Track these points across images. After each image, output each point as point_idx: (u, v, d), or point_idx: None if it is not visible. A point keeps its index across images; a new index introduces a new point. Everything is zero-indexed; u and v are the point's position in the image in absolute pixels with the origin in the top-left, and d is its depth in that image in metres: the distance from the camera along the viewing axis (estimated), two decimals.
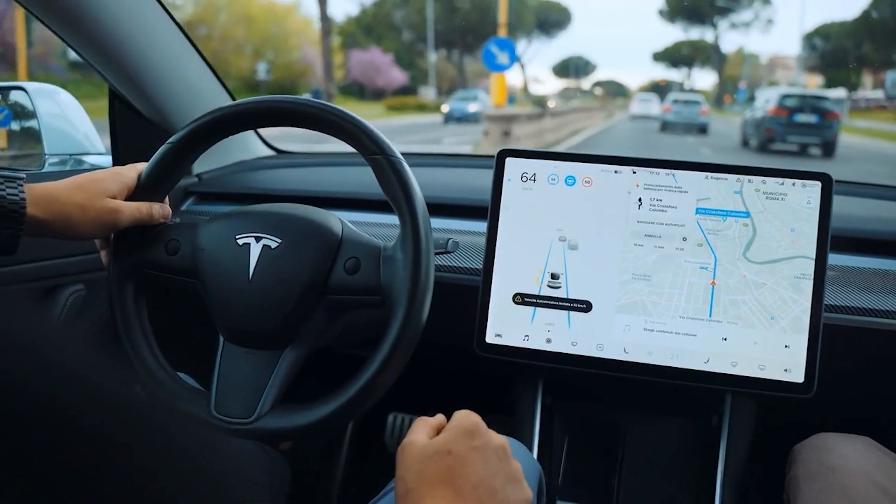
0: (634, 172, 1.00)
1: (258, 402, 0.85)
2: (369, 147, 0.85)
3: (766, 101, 16.71)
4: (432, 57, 44.87)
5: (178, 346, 1.15)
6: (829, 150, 15.43)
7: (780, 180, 0.97)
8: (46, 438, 0.27)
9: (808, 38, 50.66)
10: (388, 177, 0.84)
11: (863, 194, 1.31)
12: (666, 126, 23.66)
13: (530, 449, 1.10)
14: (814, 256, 0.95)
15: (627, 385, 1.04)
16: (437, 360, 1.35)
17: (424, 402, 1.65)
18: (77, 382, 0.29)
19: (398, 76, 40.39)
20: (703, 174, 0.99)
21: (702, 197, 0.98)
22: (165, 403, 0.86)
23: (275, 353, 0.87)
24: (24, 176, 0.80)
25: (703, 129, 22.75)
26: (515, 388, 1.17)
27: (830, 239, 0.96)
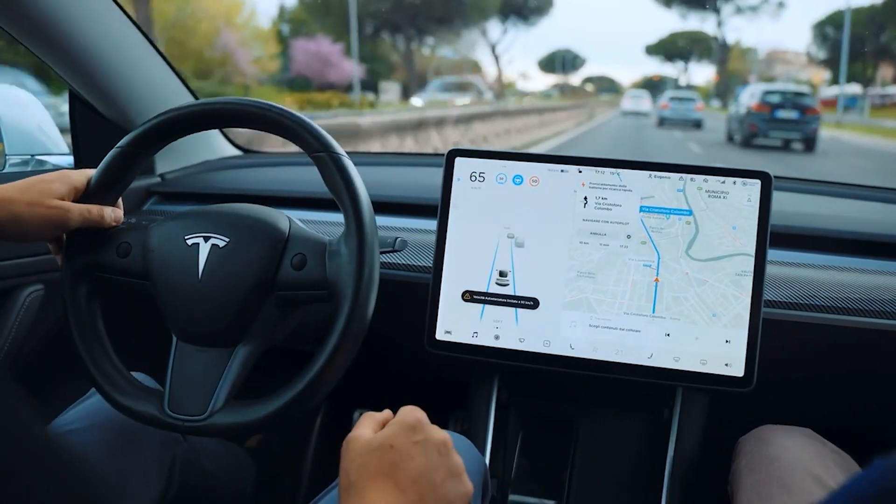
0: (580, 171, 1.02)
1: (211, 399, 0.86)
2: (313, 144, 0.86)
3: (751, 96, 17.18)
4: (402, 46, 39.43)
5: (133, 346, 1.16)
6: (809, 144, 15.93)
7: (722, 179, 0.99)
8: None
9: (820, 27, 45.47)
10: (332, 173, 0.86)
11: (808, 191, 1.34)
12: (663, 121, 25.01)
13: (484, 443, 1.12)
14: (753, 253, 0.97)
15: (579, 380, 1.06)
16: (396, 357, 1.36)
17: (388, 399, 1.66)
18: None
19: (350, 69, 31.28)
20: (647, 173, 1.01)
21: (645, 195, 1.00)
22: (120, 404, 0.88)
23: (227, 351, 0.88)
24: None
25: (697, 125, 24.02)
26: (471, 383, 1.19)
27: (771, 236, 0.98)
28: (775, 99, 16.18)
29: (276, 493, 1.57)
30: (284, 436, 1.61)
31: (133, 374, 0.96)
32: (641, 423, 1.21)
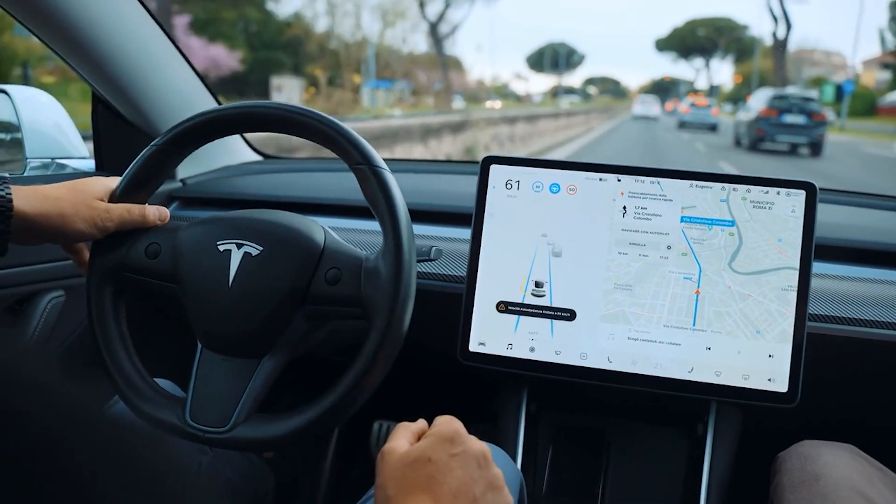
0: (619, 180, 1.00)
1: (234, 410, 0.84)
2: (354, 156, 0.84)
3: (759, 101, 17.95)
4: None
5: (159, 351, 1.14)
6: (816, 149, 16.62)
7: (766, 189, 0.97)
8: (7, 453, 0.27)
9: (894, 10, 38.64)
10: (373, 187, 0.83)
11: (850, 202, 1.31)
12: (683, 124, 29.10)
13: (514, 457, 1.09)
14: (798, 266, 0.95)
15: (612, 393, 1.03)
16: (423, 367, 1.34)
17: (410, 410, 1.64)
18: (45, 398, 0.29)
19: (216, 56, 24.33)
20: (689, 182, 0.98)
21: (687, 205, 0.98)
22: (141, 411, 0.85)
23: (252, 362, 0.86)
24: (8, 176, 0.80)
25: (713, 128, 27.67)
26: (500, 395, 1.16)
27: (816, 248, 0.96)
28: (783, 104, 16.84)
29: (294, 502, 1.55)
30: (302, 445, 1.59)
31: (157, 380, 0.94)
32: (674, 436, 1.19)
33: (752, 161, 14.82)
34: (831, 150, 17.62)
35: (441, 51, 43.29)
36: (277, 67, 27.98)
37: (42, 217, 0.82)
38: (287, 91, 25.83)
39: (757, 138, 17.15)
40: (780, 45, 46.31)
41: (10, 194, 0.79)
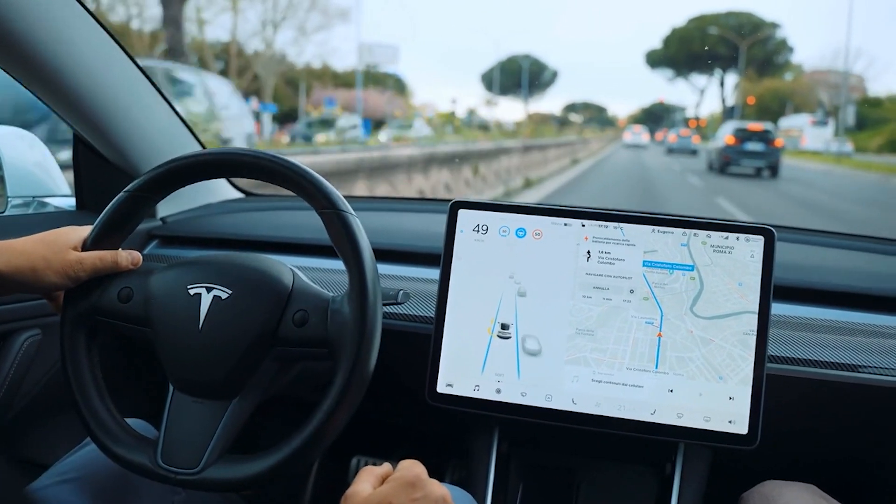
0: (583, 225, 1.02)
1: (205, 452, 0.85)
2: (320, 201, 0.87)
3: (724, 132, 21.52)
4: None
5: (132, 391, 1.15)
6: (774, 171, 20.10)
7: (726, 234, 1.00)
8: None
9: None
10: (338, 231, 0.86)
11: (809, 241, 1.34)
12: (671, 151, 35.29)
13: (484, 496, 1.10)
14: (757, 310, 0.97)
15: (581, 433, 1.05)
16: (397, 404, 1.35)
17: (387, 445, 1.65)
18: None
19: None
20: (651, 227, 1.01)
21: (648, 249, 1.00)
22: (112, 452, 0.87)
23: (223, 403, 0.87)
24: None
25: (693, 152, 33.55)
26: (470, 434, 1.17)
27: (777, 290, 0.98)
28: (744, 134, 20.16)
29: None
30: (280, 481, 1.59)
31: (131, 420, 0.95)
32: (643, 476, 1.20)
33: (718, 180, 17.53)
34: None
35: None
36: None
37: (15, 272, 0.84)
38: None
39: (724, 163, 20.33)
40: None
41: None
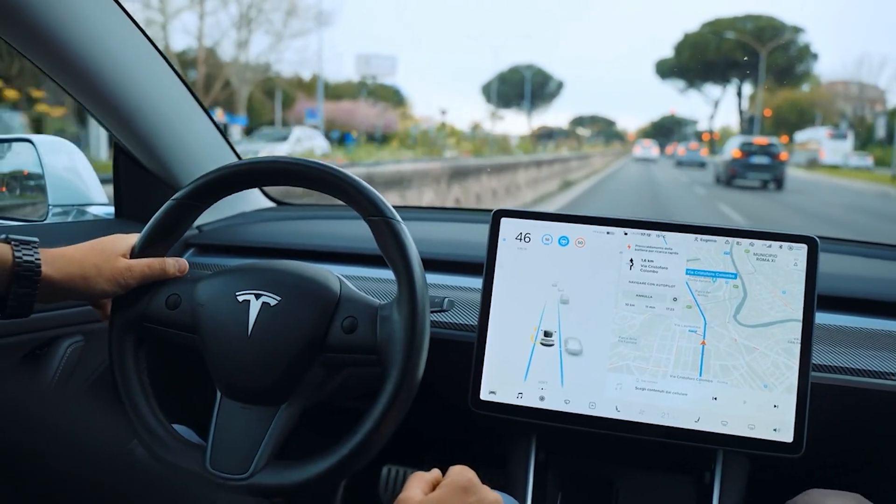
0: (626, 234, 1.03)
1: (253, 457, 0.86)
2: (368, 208, 0.88)
3: (731, 146, 22.15)
4: None
5: (179, 399, 1.16)
6: (779, 184, 20.57)
7: (769, 242, 1.00)
8: (29, 495, 0.28)
9: None
10: (387, 239, 0.87)
11: (850, 252, 1.34)
12: (680, 163, 36.94)
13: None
14: (801, 318, 0.97)
15: (620, 441, 1.05)
16: (433, 413, 1.35)
17: (419, 454, 1.65)
18: (69, 442, 0.31)
19: None
20: (693, 236, 1.01)
21: (691, 258, 1.01)
22: (161, 458, 0.87)
23: (271, 409, 0.88)
24: (38, 240, 0.83)
25: (702, 165, 34.94)
26: (509, 443, 1.18)
27: (819, 299, 0.98)
28: (750, 148, 20.75)
29: None
30: (309, 490, 1.59)
31: (175, 426, 0.96)
32: (682, 484, 1.20)
33: (723, 191, 18.21)
34: None
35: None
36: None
37: (67, 280, 0.85)
38: None
39: (731, 176, 20.89)
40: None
41: (39, 259, 0.82)
